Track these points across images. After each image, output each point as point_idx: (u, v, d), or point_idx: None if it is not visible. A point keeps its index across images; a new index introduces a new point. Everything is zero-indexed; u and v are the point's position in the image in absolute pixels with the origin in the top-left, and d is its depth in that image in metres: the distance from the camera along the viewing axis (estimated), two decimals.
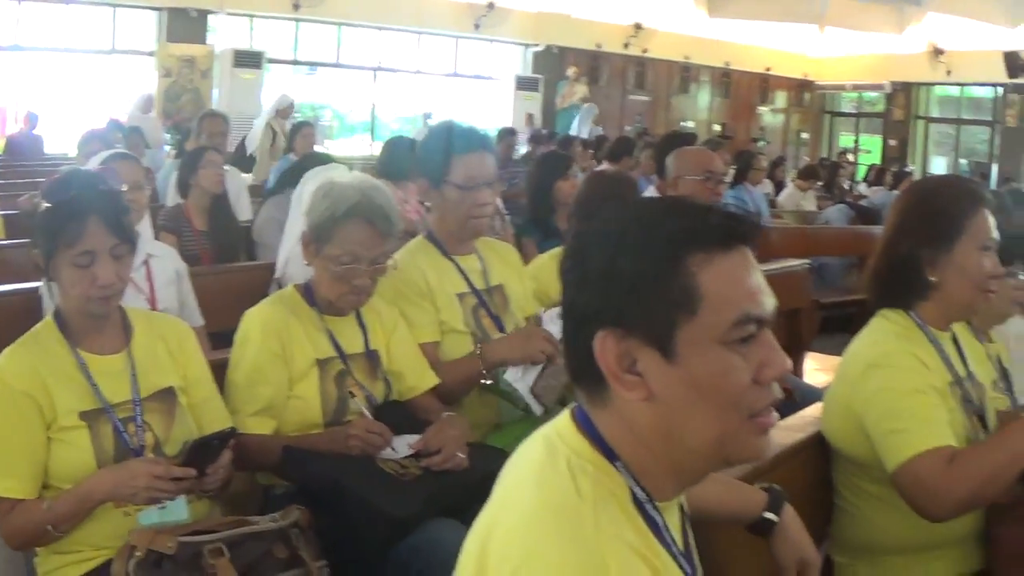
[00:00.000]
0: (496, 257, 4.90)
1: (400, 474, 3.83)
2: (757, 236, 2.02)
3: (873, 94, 36.44)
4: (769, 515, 2.90)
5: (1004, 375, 4.43)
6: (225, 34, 24.50)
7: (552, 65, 29.53)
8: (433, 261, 4.66)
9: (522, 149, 20.37)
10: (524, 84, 28.89)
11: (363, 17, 26.12)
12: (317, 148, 13.26)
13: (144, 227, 6.04)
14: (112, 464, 3.47)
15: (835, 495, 3.88)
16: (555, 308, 4.43)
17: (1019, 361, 5.16)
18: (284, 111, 17.57)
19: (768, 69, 34.74)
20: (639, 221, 2.00)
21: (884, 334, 3.72)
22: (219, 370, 4.04)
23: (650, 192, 8.35)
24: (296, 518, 3.54)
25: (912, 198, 3.87)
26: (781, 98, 36.33)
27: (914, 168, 28.71)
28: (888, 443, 3.45)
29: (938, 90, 34.88)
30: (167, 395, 3.69)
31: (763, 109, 35.66)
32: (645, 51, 31.14)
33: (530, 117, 26.65)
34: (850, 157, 29.21)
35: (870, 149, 35.95)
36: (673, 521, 2.09)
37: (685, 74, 33.26)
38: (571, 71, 28.87)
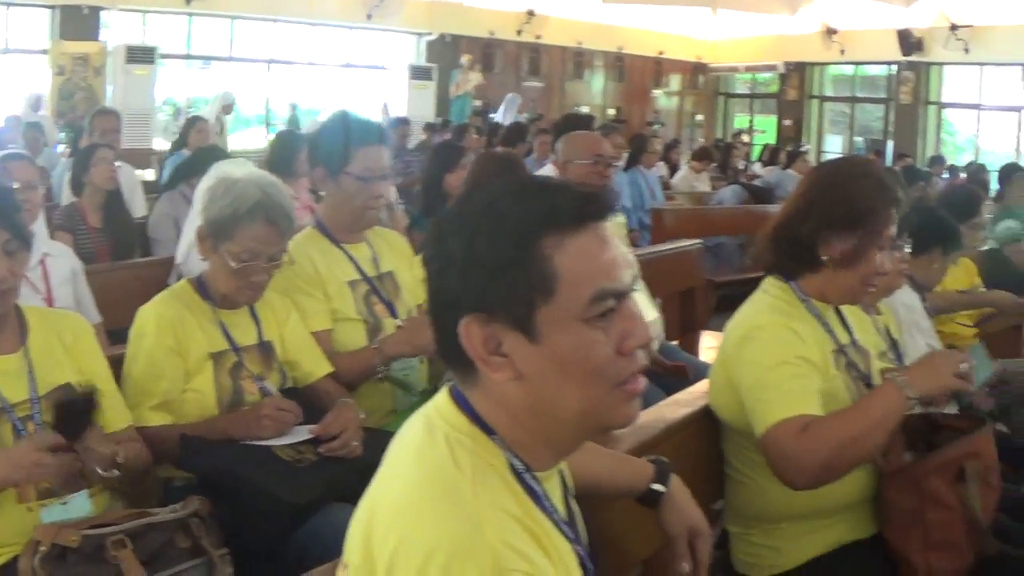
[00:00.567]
0: (385, 245, 4.95)
1: (296, 460, 3.87)
2: (608, 212, 2.06)
3: (767, 75, 36.54)
4: (656, 486, 2.95)
5: (894, 345, 4.54)
6: (118, 30, 24.22)
7: (446, 54, 29.37)
8: (323, 250, 4.70)
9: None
10: (418, 73, 28.75)
11: (255, 10, 25.91)
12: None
13: (39, 226, 6.02)
14: None
15: (726, 466, 3.95)
16: None
17: (910, 326, 5.29)
18: (227, 107, 17.56)
19: (661, 53, 34.76)
20: (493, 206, 2.03)
21: (761, 306, 3.81)
22: (116, 366, 4.04)
23: (547, 172, 8.43)
24: (196, 508, 3.55)
25: (828, 180, 3.91)
26: (675, 81, 36.37)
27: (809, 147, 28.83)
28: (755, 412, 3.55)
29: (832, 69, 35.05)
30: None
31: (657, 92, 35.69)
32: (538, 37, 31.05)
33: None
34: (745, 138, 29.31)
35: (765, 129, 36.05)
36: (554, 490, 2.15)
37: (579, 59, 33.20)
38: (465, 59, 28.75)
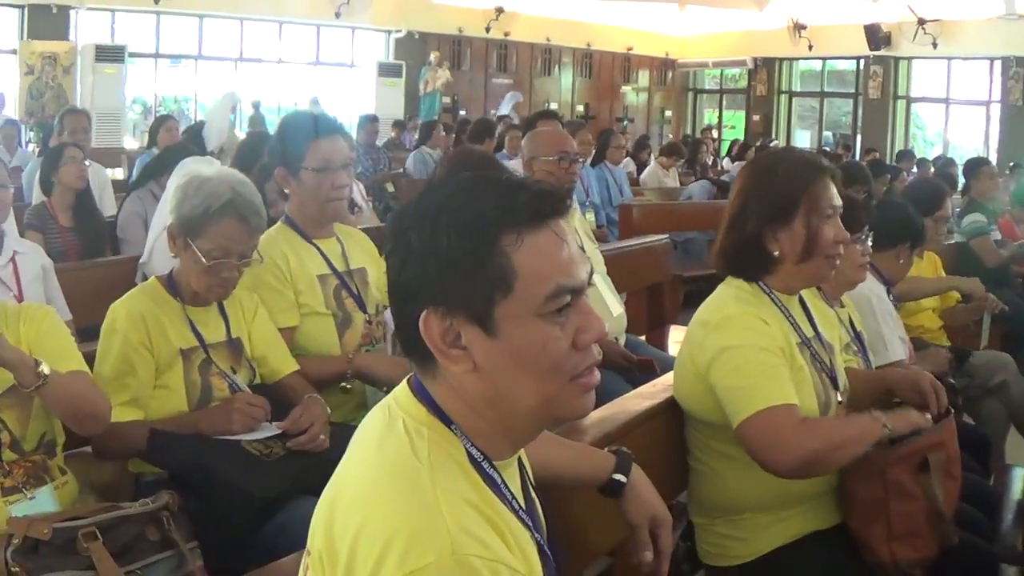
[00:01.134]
0: (354, 243, 4.99)
1: (264, 455, 3.93)
2: (565, 210, 2.10)
3: (735, 71, 36.62)
4: (618, 476, 2.99)
5: (857, 337, 4.59)
6: (87, 29, 24.21)
7: (414, 51, 29.34)
8: (293, 245, 4.74)
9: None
10: (386, 71, 28.74)
11: (224, 8, 25.89)
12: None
13: (9, 225, 6.04)
14: None
15: (690, 457, 3.98)
16: None
17: (886, 315, 5.33)
18: (234, 108, 17.60)
19: (630, 49, 34.76)
20: (452, 201, 2.06)
21: (726, 298, 3.84)
22: (87, 363, 4.02)
23: (514, 167, 8.46)
24: (166, 501, 3.59)
25: (751, 176, 3.96)
26: (644, 77, 36.35)
27: (778, 142, 28.92)
28: (735, 398, 3.57)
29: (801, 64, 35.08)
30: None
31: (626, 88, 35.68)
32: (507, 34, 31.08)
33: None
34: (714, 134, 29.49)
35: (734, 125, 36.18)
36: (513, 480, 2.18)
37: (548, 56, 33.23)
38: (433, 56, 28.73)
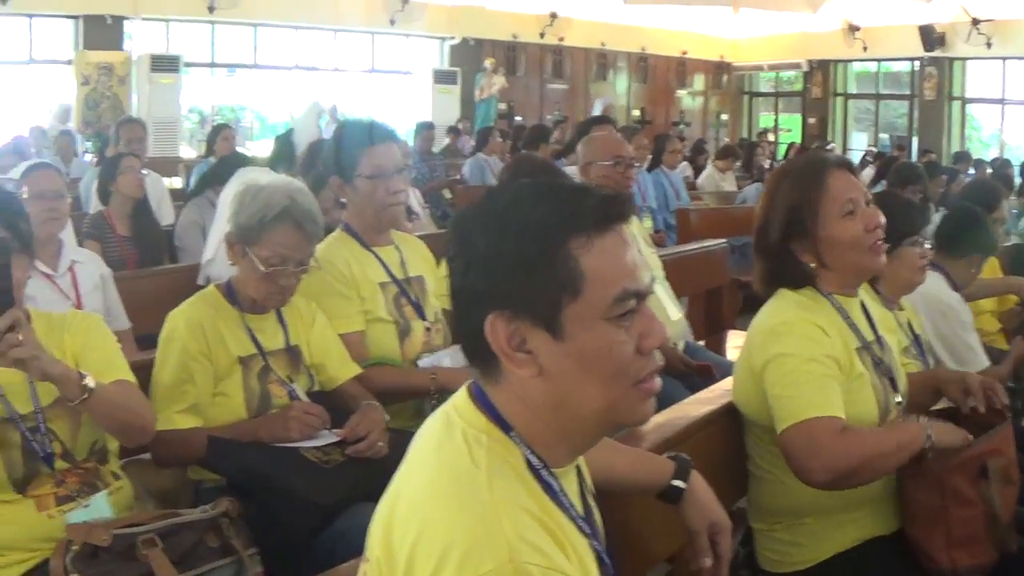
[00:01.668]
0: (412, 251, 5.01)
1: (323, 462, 3.93)
2: (630, 215, 2.11)
3: (791, 73, 36.42)
4: (677, 482, 2.98)
5: (916, 341, 4.56)
6: (141, 39, 24.30)
7: (469, 57, 29.32)
8: (354, 252, 4.76)
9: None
10: (442, 78, 28.76)
11: (279, 17, 25.94)
12: (239, 149, 13.24)
13: (67, 234, 6.09)
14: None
15: (749, 463, 3.96)
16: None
17: (967, 323, 5.31)
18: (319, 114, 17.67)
19: (685, 53, 34.65)
20: (518, 206, 2.07)
21: (786, 303, 3.80)
22: (146, 371, 4.08)
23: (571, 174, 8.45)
24: (226, 508, 3.61)
25: (767, 193, 3.94)
26: (699, 81, 36.22)
27: (834, 145, 28.81)
28: (780, 406, 3.56)
29: (855, 66, 34.85)
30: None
31: (682, 93, 35.57)
32: (561, 40, 31.00)
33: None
34: (770, 137, 29.30)
35: (790, 128, 35.94)
36: (571, 486, 2.18)
37: (602, 61, 33.15)
38: (488, 62, 28.68)
